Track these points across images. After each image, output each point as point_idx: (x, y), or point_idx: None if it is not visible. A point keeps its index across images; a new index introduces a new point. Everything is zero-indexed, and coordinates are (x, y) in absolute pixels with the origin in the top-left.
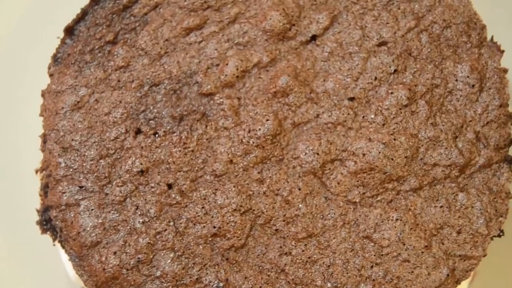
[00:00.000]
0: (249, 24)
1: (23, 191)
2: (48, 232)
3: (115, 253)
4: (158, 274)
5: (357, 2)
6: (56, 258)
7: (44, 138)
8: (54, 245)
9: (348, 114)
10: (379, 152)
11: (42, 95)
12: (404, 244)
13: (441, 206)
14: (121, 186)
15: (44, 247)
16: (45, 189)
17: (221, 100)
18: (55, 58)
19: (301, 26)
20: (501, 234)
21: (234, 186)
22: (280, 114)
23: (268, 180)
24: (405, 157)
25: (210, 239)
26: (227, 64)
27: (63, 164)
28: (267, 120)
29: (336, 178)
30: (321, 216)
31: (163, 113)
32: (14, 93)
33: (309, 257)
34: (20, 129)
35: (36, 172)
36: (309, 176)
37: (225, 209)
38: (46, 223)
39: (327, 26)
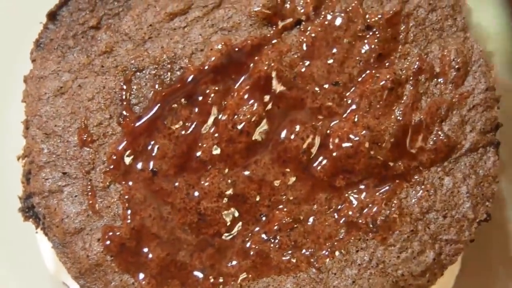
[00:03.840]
0: (233, 9)
1: (4, 178)
2: (31, 220)
3: (98, 239)
4: (142, 261)
5: None
6: (35, 251)
7: (27, 124)
8: (36, 232)
9: (333, 98)
10: (364, 137)
11: (24, 81)
12: (389, 229)
13: (427, 190)
14: (105, 172)
15: (23, 239)
16: (28, 176)
17: (206, 85)
18: (38, 44)
19: (286, 11)
20: (488, 218)
21: (218, 172)
22: (265, 99)
23: (253, 165)
24: (391, 141)
25: (194, 225)
26: (211, 49)
27: (46, 150)
28: (252, 105)
29: (321, 163)
30: (306, 202)
31: (148, 98)
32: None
33: (294, 242)
34: (1, 115)
35: (18, 158)
36: (294, 161)
37: (209, 195)
38: (29, 210)
39: (312, 11)
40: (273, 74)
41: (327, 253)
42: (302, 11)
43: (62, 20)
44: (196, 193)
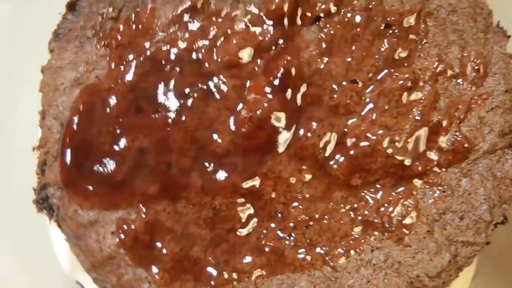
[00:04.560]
0: (254, 4)
1: (19, 169)
2: (44, 211)
3: (112, 232)
4: (156, 254)
5: None
6: (50, 251)
7: (43, 114)
8: (50, 223)
9: (351, 96)
10: (382, 136)
11: (42, 71)
12: (406, 229)
13: (444, 191)
14: (121, 163)
15: (37, 240)
16: (43, 167)
17: (223, 79)
18: (56, 34)
19: (306, 7)
20: (504, 221)
21: (234, 167)
22: (282, 95)
23: (269, 162)
24: (408, 141)
25: (209, 220)
26: (229, 44)
27: None
28: (269, 101)
29: (338, 162)
30: (322, 200)
31: (164, 91)
32: (13, 69)
33: (309, 240)
34: (18, 105)
35: (34, 149)
36: (311, 158)
37: (224, 190)
38: (43, 202)
39: (332, 7)
40: (292, 70)
41: (342, 251)
42: (322, 8)
43: (81, 10)
44: (211, 188)
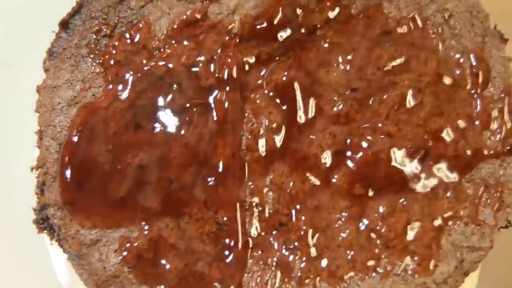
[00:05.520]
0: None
1: (17, 189)
2: (45, 231)
3: (115, 250)
4: (160, 272)
5: None
6: (48, 265)
7: (40, 134)
8: (51, 244)
9: (351, 105)
10: (384, 144)
11: (37, 91)
12: (411, 236)
13: (447, 198)
14: (121, 181)
15: (35, 252)
16: (42, 187)
17: (222, 93)
18: (51, 53)
19: (303, 17)
20: (508, 225)
21: (236, 181)
22: (283, 107)
23: (272, 174)
24: (411, 147)
25: (213, 235)
26: (227, 57)
27: None
28: (270, 113)
29: (341, 171)
30: (326, 210)
31: (163, 107)
32: (8, 89)
33: (314, 251)
34: (14, 125)
35: (32, 169)
36: (313, 169)
37: (227, 204)
38: (43, 222)
39: (329, 16)
40: (290, 81)
41: (347, 261)
42: (320, 17)
43: (74, 28)
44: (213, 202)
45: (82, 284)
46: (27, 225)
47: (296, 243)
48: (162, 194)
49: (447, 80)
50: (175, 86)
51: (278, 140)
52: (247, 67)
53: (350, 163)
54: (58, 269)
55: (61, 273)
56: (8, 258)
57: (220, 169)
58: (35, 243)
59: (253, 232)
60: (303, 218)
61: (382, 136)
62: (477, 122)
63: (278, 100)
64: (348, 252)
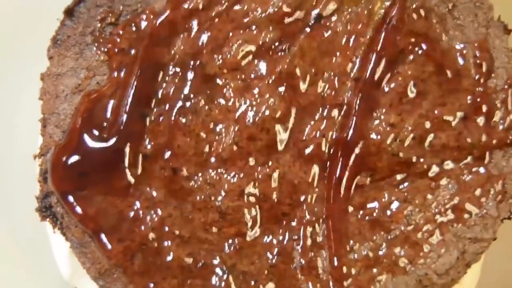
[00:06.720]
0: (254, 4)
1: (20, 177)
2: (48, 219)
3: (119, 239)
4: (163, 261)
5: None
6: (49, 256)
7: (44, 122)
8: (54, 232)
9: (354, 94)
10: (387, 133)
11: (42, 78)
12: (412, 227)
13: (450, 188)
14: (124, 170)
15: (36, 243)
16: (45, 175)
17: (226, 81)
18: (55, 41)
19: (307, 6)
20: (511, 216)
21: (239, 170)
22: (285, 95)
23: (274, 163)
24: (413, 138)
25: (216, 224)
26: (231, 45)
27: None
28: (273, 102)
29: (343, 161)
30: (328, 200)
31: (167, 95)
32: (12, 76)
33: (316, 242)
34: (18, 113)
35: (35, 157)
36: (315, 159)
37: (230, 193)
38: (46, 210)
39: (333, 6)
40: (295, 70)
41: (350, 251)
42: (324, 6)
43: (79, 16)
44: (217, 192)
45: (83, 276)
46: (28, 216)
47: (298, 233)
48: (165, 183)
49: (449, 70)
50: (179, 74)
51: (281, 129)
52: (250, 56)
53: (352, 153)
54: (60, 260)
55: (63, 264)
56: (8, 250)
57: (223, 158)
58: (36, 235)
59: (256, 222)
60: (306, 208)
61: (385, 126)
62: (480, 113)
63: (281, 89)
64: (351, 242)
